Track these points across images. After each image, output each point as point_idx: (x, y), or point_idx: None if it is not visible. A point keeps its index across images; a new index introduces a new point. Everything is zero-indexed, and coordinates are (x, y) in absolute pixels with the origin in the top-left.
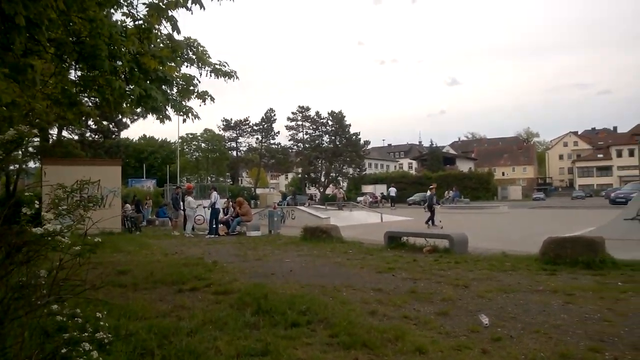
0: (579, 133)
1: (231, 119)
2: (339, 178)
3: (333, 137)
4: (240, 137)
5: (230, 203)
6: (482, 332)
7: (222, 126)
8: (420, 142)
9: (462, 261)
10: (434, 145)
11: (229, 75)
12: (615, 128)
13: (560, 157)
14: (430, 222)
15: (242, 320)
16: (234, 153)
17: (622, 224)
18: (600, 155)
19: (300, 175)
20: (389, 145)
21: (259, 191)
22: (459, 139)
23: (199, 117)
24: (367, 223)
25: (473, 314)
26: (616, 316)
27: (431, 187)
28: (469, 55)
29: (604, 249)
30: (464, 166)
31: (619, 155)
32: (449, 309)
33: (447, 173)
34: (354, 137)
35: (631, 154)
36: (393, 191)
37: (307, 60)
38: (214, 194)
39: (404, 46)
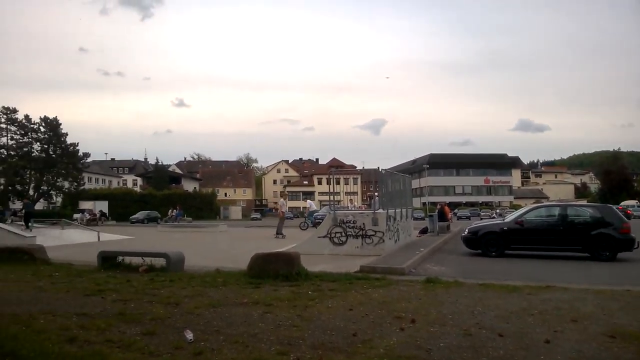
0: (290, 162)
1: None
2: (52, 192)
3: (46, 146)
4: None
5: None
6: (185, 348)
7: None
8: (146, 159)
9: (177, 279)
10: (160, 164)
11: None
12: (317, 159)
13: (275, 181)
14: None
15: None
16: None
17: (316, 241)
18: (306, 182)
19: (2, 187)
20: (113, 159)
21: None
22: (185, 159)
23: None
24: (81, 242)
25: (180, 331)
26: (303, 321)
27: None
28: (196, 80)
29: (299, 263)
30: (189, 186)
31: (320, 182)
32: (156, 328)
33: (173, 192)
34: (71, 147)
35: (328, 182)
36: None
37: (16, 57)
38: None
39: (131, 61)
